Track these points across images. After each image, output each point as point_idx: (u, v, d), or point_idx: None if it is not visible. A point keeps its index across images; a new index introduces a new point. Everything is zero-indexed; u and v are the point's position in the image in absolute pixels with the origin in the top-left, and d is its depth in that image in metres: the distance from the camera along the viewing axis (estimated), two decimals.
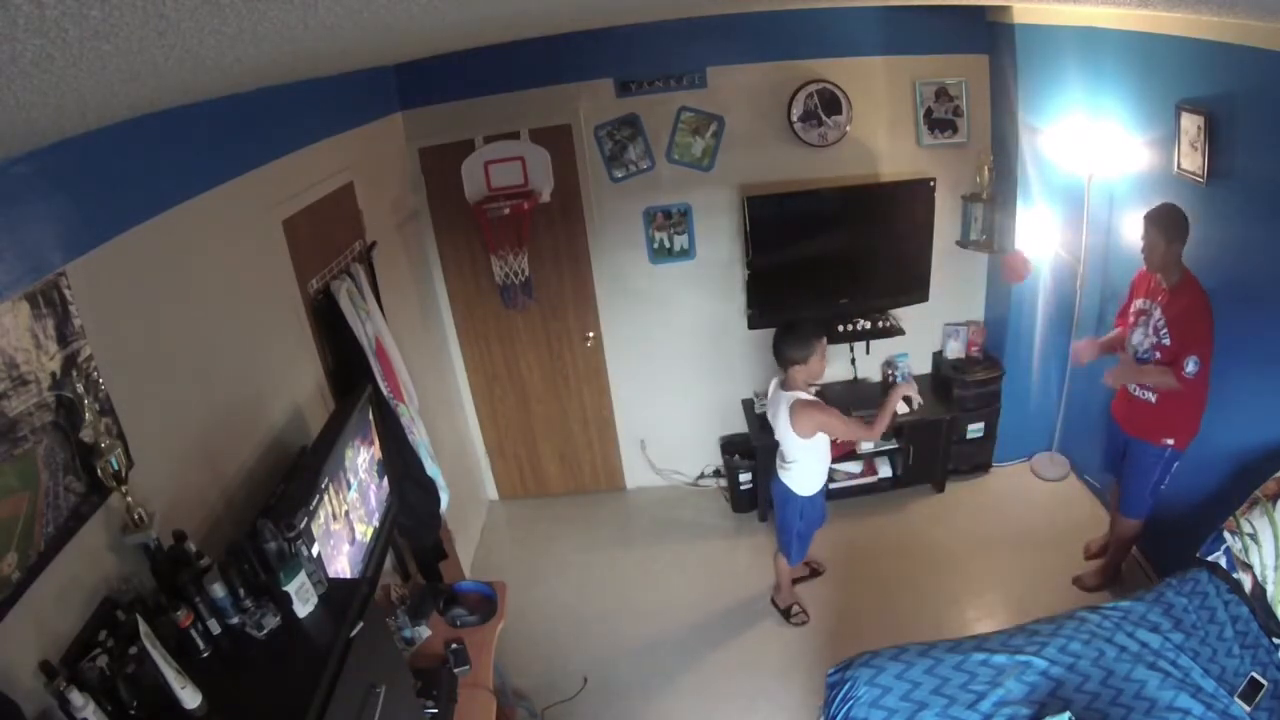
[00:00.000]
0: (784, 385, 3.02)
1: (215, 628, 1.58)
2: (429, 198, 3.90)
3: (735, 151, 3.87)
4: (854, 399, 4.13)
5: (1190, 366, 2.74)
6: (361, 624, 1.66)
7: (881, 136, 3.88)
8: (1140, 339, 2.96)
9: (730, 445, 4.44)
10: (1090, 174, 3.35)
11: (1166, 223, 2.73)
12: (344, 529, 2.10)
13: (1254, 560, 2.39)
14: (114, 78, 1.00)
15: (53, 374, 1.44)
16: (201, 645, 1.53)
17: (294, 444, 2.36)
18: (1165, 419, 2.93)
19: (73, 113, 1.22)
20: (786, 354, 2.93)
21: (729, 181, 3.91)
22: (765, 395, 4.26)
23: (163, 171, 1.89)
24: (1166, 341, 2.82)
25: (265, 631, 1.58)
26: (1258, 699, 2.19)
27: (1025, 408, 4.20)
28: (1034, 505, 4.04)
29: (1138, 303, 2.99)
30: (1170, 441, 2.95)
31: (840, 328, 4.05)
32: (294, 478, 2.04)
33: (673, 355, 4.29)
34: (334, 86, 2.85)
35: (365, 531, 2.27)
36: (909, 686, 2.35)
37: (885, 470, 4.25)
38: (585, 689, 3.26)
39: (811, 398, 2.95)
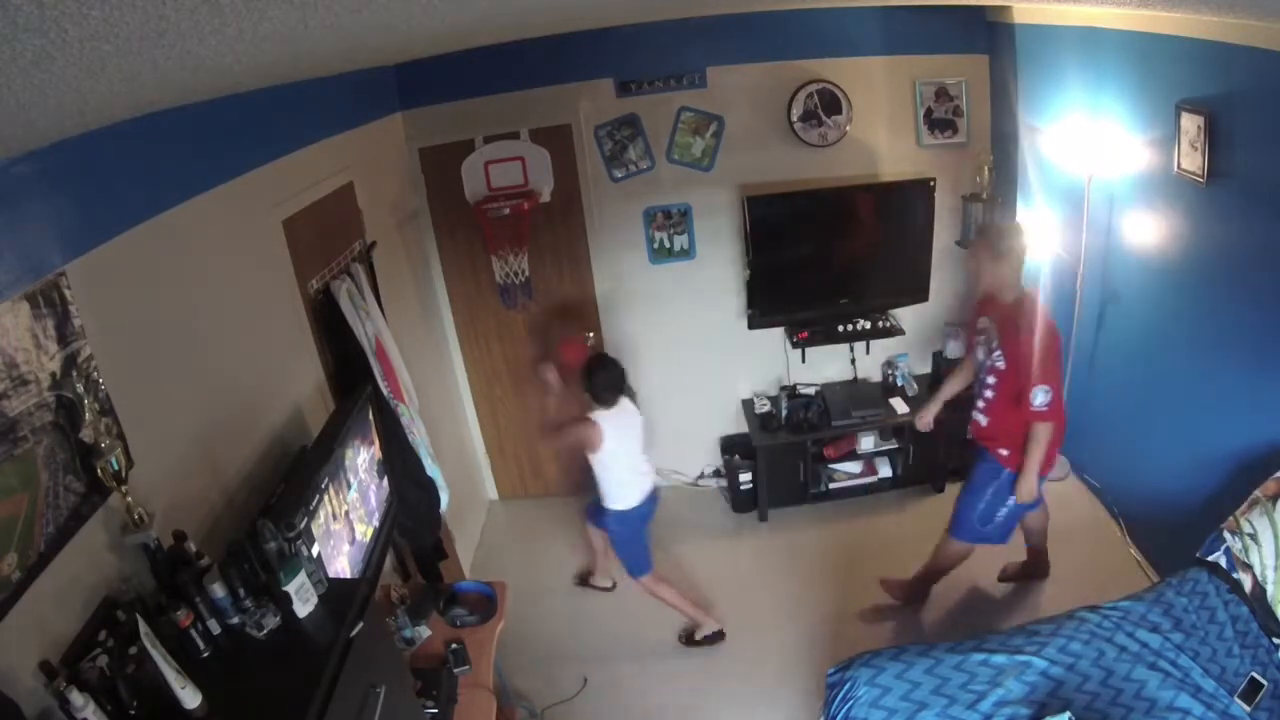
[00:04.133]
0: None
1: (215, 628, 1.58)
2: (429, 198, 3.90)
3: (735, 151, 3.87)
4: (854, 399, 4.14)
5: (1039, 399, 2.71)
6: (361, 624, 1.66)
7: (881, 136, 3.88)
8: (981, 357, 2.96)
9: (730, 445, 4.44)
10: (1090, 174, 3.35)
11: (990, 243, 2.76)
12: (344, 529, 2.10)
13: (1254, 560, 2.39)
14: (114, 78, 1.00)
15: (53, 374, 1.44)
16: (201, 645, 1.53)
17: (294, 444, 2.36)
18: (1000, 432, 2.93)
19: (73, 113, 1.22)
20: None
21: (729, 181, 3.91)
22: (764, 395, 4.28)
23: (163, 171, 1.89)
24: (1000, 365, 2.81)
25: (265, 631, 1.58)
26: (1258, 699, 2.19)
27: None
28: None
29: (981, 320, 2.97)
30: (1005, 453, 2.93)
31: (840, 328, 4.05)
32: (294, 478, 2.04)
33: (672, 355, 4.29)
34: (334, 86, 2.85)
35: (365, 531, 2.27)
36: (909, 686, 2.35)
37: (885, 470, 4.25)
38: (585, 689, 3.26)
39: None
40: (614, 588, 3.79)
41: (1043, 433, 2.81)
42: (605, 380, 2.90)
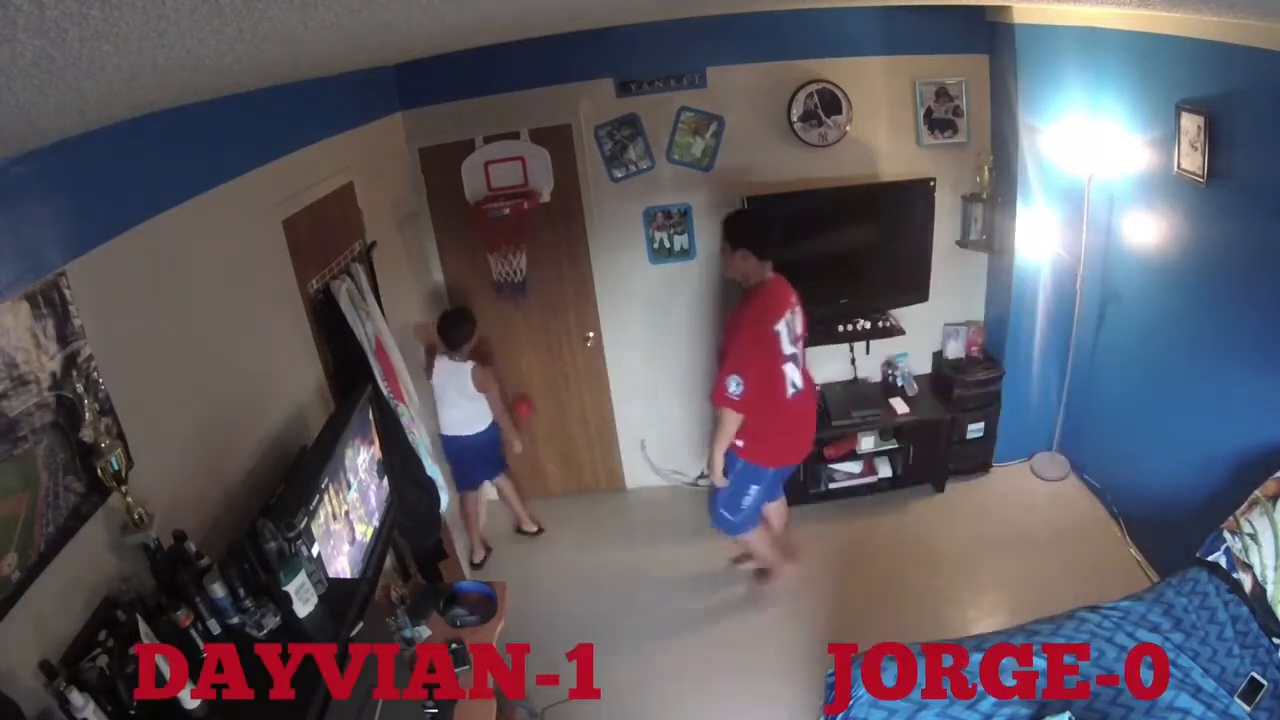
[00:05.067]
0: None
1: (215, 628, 1.58)
2: (429, 198, 3.90)
3: (735, 151, 3.87)
4: (854, 399, 4.14)
5: (732, 387, 2.76)
6: (361, 624, 1.66)
7: (881, 136, 3.88)
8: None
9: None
10: (1090, 174, 3.35)
11: (730, 228, 2.86)
12: (344, 529, 2.10)
13: (1254, 560, 2.39)
14: (114, 78, 1.00)
15: (53, 374, 1.44)
16: (201, 645, 1.53)
17: (294, 444, 2.36)
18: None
19: (73, 113, 1.22)
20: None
21: (729, 181, 3.91)
22: None
23: (163, 171, 1.89)
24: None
25: (265, 631, 1.58)
26: (1258, 699, 2.19)
27: (1025, 408, 4.20)
28: (1034, 505, 4.04)
29: None
30: (740, 444, 2.98)
31: (840, 328, 4.04)
32: (294, 478, 2.04)
33: (673, 355, 4.29)
34: (334, 86, 2.85)
35: (365, 531, 2.27)
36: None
37: (885, 470, 4.25)
38: None
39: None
40: (539, 532, 4.29)
41: (728, 420, 2.86)
42: (454, 333, 3.52)
